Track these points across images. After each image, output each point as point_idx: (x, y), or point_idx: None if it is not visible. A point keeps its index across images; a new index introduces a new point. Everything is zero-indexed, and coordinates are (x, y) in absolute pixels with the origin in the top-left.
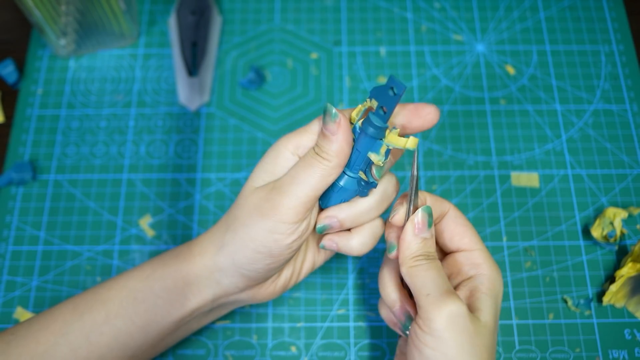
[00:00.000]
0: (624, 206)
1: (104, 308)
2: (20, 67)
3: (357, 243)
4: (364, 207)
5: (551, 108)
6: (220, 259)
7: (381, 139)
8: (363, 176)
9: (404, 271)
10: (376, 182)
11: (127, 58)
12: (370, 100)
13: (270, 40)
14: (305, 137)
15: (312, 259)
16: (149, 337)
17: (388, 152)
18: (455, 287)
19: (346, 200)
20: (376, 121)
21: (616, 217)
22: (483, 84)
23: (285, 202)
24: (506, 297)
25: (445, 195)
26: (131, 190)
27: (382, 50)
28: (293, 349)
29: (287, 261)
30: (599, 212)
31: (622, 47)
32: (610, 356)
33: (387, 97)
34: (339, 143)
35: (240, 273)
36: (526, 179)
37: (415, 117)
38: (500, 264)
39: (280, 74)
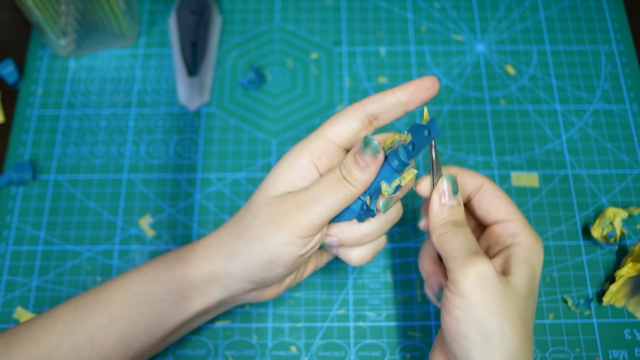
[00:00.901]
0: (624, 206)
1: (106, 310)
2: (20, 67)
3: (356, 256)
4: (366, 231)
5: (551, 108)
6: (232, 266)
7: (398, 173)
8: (368, 201)
9: (434, 239)
10: (375, 212)
11: (127, 58)
12: (407, 134)
13: (270, 40)
14: (319, 144)
15: (315, 260)
16: (152, 337)
17: (398, 187)
18: (493, 256)
19: (347, 219)
20: (403, 156)
21: (616, 217)
22: (483, 84)
23: (305, 220)
24: None
25: None
26: (131, 190)
27: (382, 50)
28: (293, 349)
29: (298, 268)
30: (599, 212)
31: (622, 47)
32: (610, 356)
33: (421, 137)
34: (370, 175)
35: (251, 280)
36: (526, 179)
37: (422, 90)
38: None
39: (280, 74)
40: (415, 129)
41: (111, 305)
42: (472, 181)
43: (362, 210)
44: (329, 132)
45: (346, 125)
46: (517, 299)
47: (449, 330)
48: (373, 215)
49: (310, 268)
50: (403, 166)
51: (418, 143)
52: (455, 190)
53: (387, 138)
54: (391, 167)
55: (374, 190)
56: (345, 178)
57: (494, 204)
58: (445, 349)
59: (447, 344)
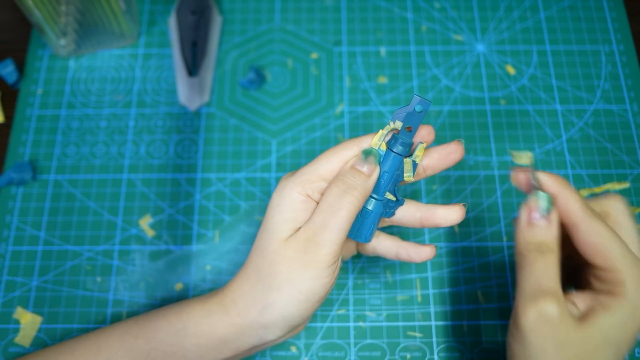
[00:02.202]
0: None
1: (130, 356)
2: (20, 67)
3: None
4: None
5: (551, 108)
6: (268, 318)
7: (407, 157)
8: (391, 197)
9: (516, 258)
10: (403, 200)
11: (127, 58)
12: (394, 122)
13: (270, 40)
14: (311, 179)
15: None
16: None
17: (415, 165)
18: (584, 283)
19: (376, 224)
20: (405, 140)
21: None
22: (483, 84)
23: (324, 252)
24: (507, 297)
25: (446, 195)
26: (131, 190)
27: (382, 50)
28: (293, 349)
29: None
30: None
31: (623, 47)
32: None
33: (412, 116)
34: (374, 180)
35: (290, 325)
36: None
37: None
38: (501, 264)
39: (280, 74)
40: (399, 113)
41: (135, 353)
42: (570, 216)
43: (388, 207)
44: (322, 168)
45: (340, 162)
46: (584, 349)
47: (507, 352)
48: (402, 204)
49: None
50: (409, 148)
51: (413, 122)
52: (545, 209)
53: (373, 137)
54: (398, 155)
55: (392, 185)
56: (348, 192)
57: (590, 251)
58: None
59: None
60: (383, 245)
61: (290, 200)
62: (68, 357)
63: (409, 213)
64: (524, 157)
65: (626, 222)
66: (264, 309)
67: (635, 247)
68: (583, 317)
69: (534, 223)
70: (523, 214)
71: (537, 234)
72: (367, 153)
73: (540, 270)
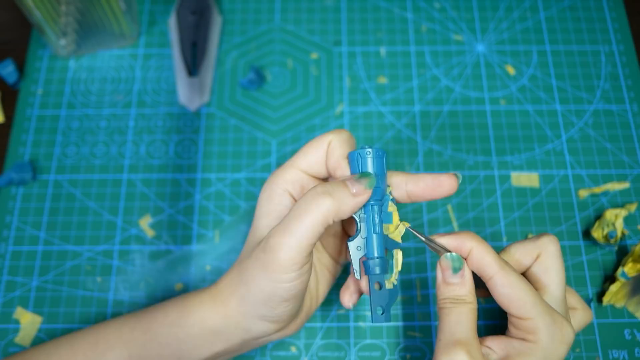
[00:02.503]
0: (624, 207)
1: (126, 348)
2: (20, 67)
3: None
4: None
5: (551, 108)
6: (244, 309)
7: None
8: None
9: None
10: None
11: (127, 58)
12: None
13: (270, 40)
14: (292, 173)
15: (326, 280)
16: None
17: (388, 217)
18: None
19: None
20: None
21: (618, 218)
22: (483, 84)
23: (281, 256)
24: None
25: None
26: (131, 191)
27: (382, 50)
28: (293, 349)
29: (304, 295)
30: (599, 212)
31: (622, 47)
32: (610, 356)
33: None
34: (357, 202)
35: (266, 320)
36: (526, 179)
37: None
38: None
39: (280, 74)
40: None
41: (132, 345)
42: (486, 269)
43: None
44: (300, 161)
45: (317, 155)
46: None
47: None
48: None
49: (324, 289)
50: (382, 195)
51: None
52: (456, 268)
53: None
54: (374, 205)
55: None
56: (319, 196)
57: (504, 302)
58: None
59: None
60: (392, 182)
61: (270, 194)
62: (67, 350)
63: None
64: (397, 231)
65: (555, 265)
66: (240, 300)
67: (561, 290)
68: None
69: (448, 281)
70: (438, 274)
71: (451, 290)
72: (363, 175)
73: (454, 320)
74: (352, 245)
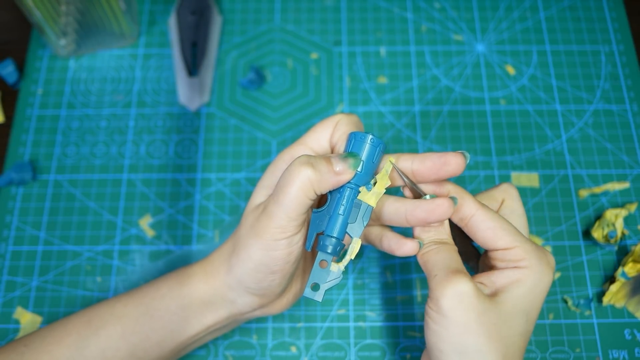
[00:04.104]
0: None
1: (119, 323)
2: (20, 67)
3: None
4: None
5: (551, 108)
6: (230, 280)
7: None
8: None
9: (418, 259)
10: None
11: (127, 58)
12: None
13: (270, 40)
14: (299, 149)
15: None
16: (164, 352)
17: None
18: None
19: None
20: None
21: (618, 218)
22: (483, 84)
23: (273, 224)
24: None
25: None
26: (131, 191)
27: (382, 50)
28: (293, 349)
29: (292, 274)
30: (599, 212)
31: (622, 47)
32: (610, 356)
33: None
34: (338, 180)
35: (251, 292)
36: (526, 179)
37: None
38: None
39: (280, 74)
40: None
41: (125, 319)
42: (464, 209)
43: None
44: (309, 139)
45: (325, 134)
46: (499, 317)
47: (428, 342)
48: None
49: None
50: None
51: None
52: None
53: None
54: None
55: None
56: (302, 166)
57: (489, 235)
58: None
59: (428, 353)
60: (371, 230)
61: (274, 168)
62: (61, 331)
63: (394, 208)
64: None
65: (519, 207)
66: (229, 270)
67: (524, 230)
68: (493, 294)
69: (428, 226)
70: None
71: (433, 235)
72: (350, 155)
73: (445, 256)
74: (316, 216)
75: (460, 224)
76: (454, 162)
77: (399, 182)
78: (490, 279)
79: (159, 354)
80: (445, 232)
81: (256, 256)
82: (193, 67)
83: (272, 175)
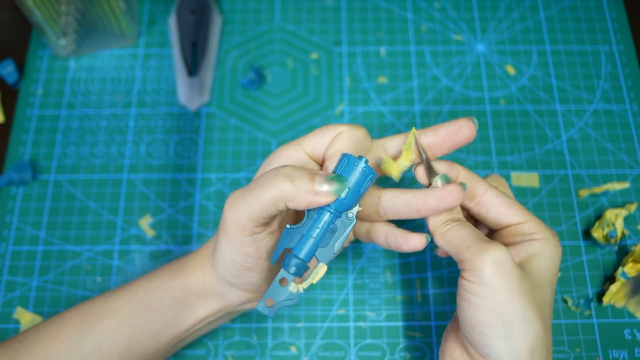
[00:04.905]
0: (624, 207)
1: (114, 317)
2: (20, 67)
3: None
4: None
5: (551, 108)
6: (215, 275)
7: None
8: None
9: (439, 240)
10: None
11: (127, 58)
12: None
13: (270, 40)
14: (293, 150)
15: None
16: (159, 344)
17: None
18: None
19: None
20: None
21: (618, 218)
22: (483, 84)
23: (231, 218)
24: None
25: None
26: (131, 191)
27: (382, 50)
28: (293, 349)
29: (268, 268)
30: (599, 212)
31: (622, 47)
32: (610, 356)
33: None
34: (315, 201)
35: (235, 287)
36: (526, 179)
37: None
38: None
39: (280, 74)
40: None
41: (119, 313)
42: (472, 186)
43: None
44: (306, 143)
45: (323, 142)
46: (534, 285)
47: (468, 320)
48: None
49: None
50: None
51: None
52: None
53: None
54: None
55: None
56: (281, 177)
57: (503, 211)
58: (461, 341)
59: (466, 334)
60: (375, 229)
61: (266, 166)
62: (56, 326)
63: (403, 200)
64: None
65: (510, 194)
66: (213, 265)
67: None
68: (520, 265)
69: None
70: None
71: (450, 212)
72: (336, 178)
73: (470, 230)
74: (287, 232)
75: (469, 206)
76: (466, 127)
77: (414, 159)
78: (514, 251)
79: (155, 347)
80: (459, 212)
81: (227, 253)
82: (193, 67)
83: (264, 171)
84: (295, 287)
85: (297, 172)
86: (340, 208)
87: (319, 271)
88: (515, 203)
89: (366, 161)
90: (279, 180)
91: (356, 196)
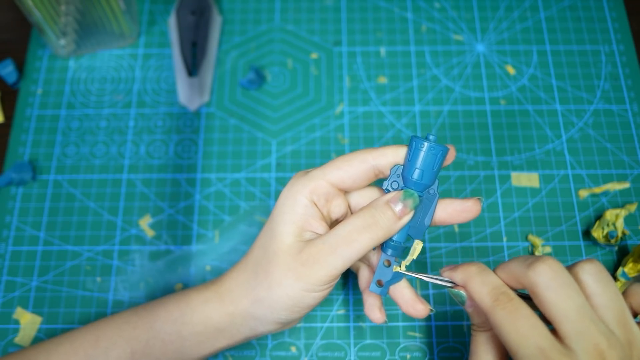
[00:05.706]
0: (624, 207)
1: (129, 346)
2: (20, 67)
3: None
4: None
5: (551, 108)
6: (258, 311)
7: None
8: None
9: (497, 318)
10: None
11: (127, 58)
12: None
13: (270, 40)
14: (320, 184)
15: None
16: None
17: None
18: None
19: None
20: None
21: (618, 218)
22: (483, 84)
23: (322, 273)
24: None
25: (446, 195)
26: (131, 191)
27: (382, 50)
28: (293, 349)
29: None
30: (599, 212)
31: (622, 47)
32: None
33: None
34: (401, 224)
35: (277, 322)
36: (526, 179)
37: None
38: None
39: (280, 74)
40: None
41: (134, 342)
42: (479, 302)
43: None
44: (332, 175)
45: (352, 172)
46: None
47: None
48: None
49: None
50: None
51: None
52: (462, 302)
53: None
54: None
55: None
56: (370, 228)
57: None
58: None
59: None
60: (394, 290)
61: (294, 202)
62: (67, 348)
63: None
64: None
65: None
66: (254, 302)
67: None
68: None
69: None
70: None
71: (470, 319)
72: (408, 195)
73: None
74: None
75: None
76: (474, 209)
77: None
78: None
79: None
80: (479, 318)
81: (295, 295)
82: (193, 67)
83: (292, 211)
84: (398, 267)
85: (380, 215)
86: (419, 189)
87: (417, 247)
88: (556, 302)
89: (433, 139)
90: (371, 230)
91: (431, 174)
